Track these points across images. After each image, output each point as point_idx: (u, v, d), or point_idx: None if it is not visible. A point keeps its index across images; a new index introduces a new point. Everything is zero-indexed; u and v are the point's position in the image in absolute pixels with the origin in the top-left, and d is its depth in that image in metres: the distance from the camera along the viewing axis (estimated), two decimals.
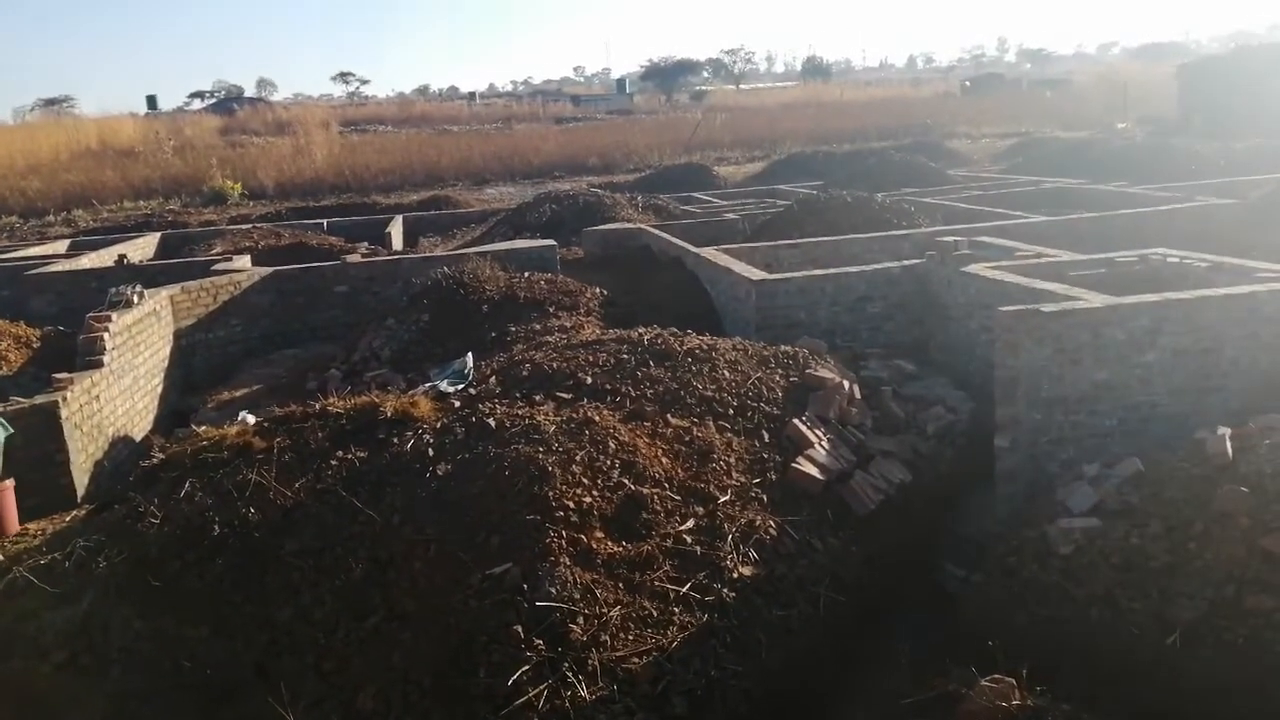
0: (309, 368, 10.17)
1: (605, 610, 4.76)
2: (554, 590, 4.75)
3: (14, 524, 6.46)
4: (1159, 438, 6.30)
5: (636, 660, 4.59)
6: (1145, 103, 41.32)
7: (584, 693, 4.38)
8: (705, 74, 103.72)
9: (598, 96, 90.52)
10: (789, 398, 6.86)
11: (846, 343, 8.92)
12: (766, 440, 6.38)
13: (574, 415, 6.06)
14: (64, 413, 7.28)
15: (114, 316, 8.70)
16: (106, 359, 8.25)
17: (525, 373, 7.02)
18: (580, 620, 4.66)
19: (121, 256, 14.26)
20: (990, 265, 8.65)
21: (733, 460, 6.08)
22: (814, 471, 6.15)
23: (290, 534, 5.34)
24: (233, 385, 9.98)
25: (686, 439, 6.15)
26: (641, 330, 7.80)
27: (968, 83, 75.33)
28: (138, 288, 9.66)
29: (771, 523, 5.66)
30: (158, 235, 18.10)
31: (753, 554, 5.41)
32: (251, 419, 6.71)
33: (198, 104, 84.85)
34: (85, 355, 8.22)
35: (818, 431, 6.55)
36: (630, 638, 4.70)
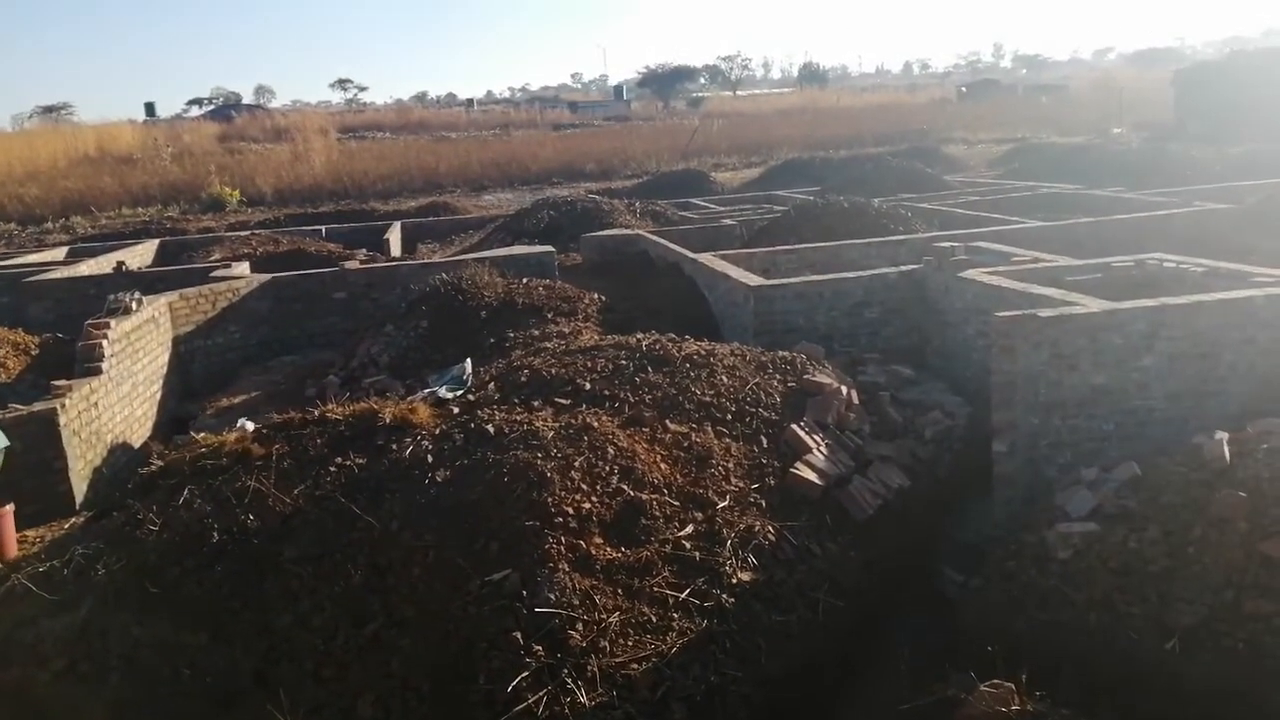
0: (307, 374, 10.18)
1: (604, 616, 4.76)
2: (553, 596, 4.75)
3: (12, 548, 6.41)
4: (1157, 442, 6.31)
5: (636, 666, 4.59)
6: (1141, 108, 41.48)
7: (583, 699, 4.38)
8: (702, 80, 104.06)
9: (595, 103, 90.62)
10: (787, 403, 6.87)
11: (844, 348, 8.93)
12: (765, 445, 6.38)
13: (573, 421, 6.07)
14: (62, 420, 7.28)
15: (112, 323, 8.70)
16: (105, 366, 8.25)
17: (524, 379, 7.03)
18: (579, 626, 4.66)
19: (120, 263, 14.28)
20: (987, 270, 8.67)
21: (731, 465, 6.08)
22: (812, 477, 6.15)
23: (289, 541, 5.33)
24: (231, 392, 9.98)
25: (685, 444, 6.15)
26: (640, 336, 7.81)
27: (964, 89, 75.57)
28: (136, 294, 9.67)
29: (770, 528, 5.66)
30: (156, 242, 18.09)
31: (752, 559, 5.41)
32: (250, 426, 6.71)
33: (196, 111, 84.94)
34: (84, 362, 8.22)
35: (816, 437, 6.56)
36: (629, 644, 4.70)
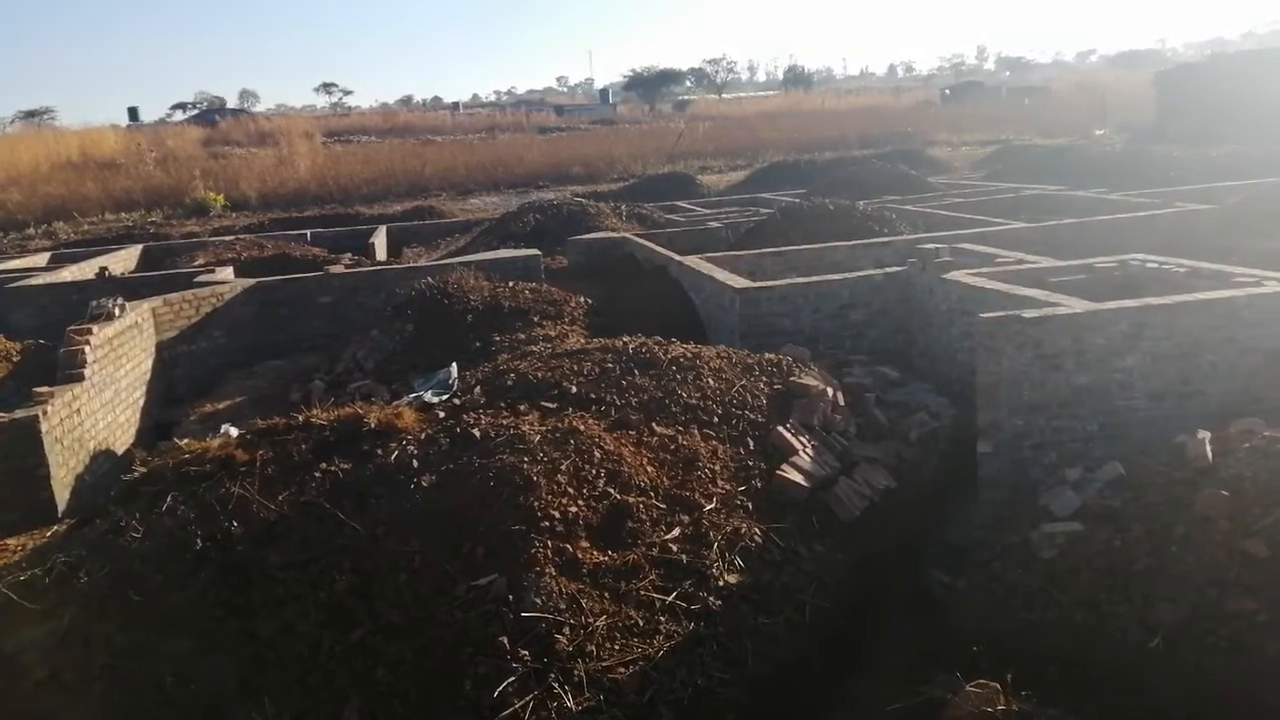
0: (292, 379, 10.12)
1: (591, 620, 4.76)
2: (540, 601, 4.74)
3: None
4: (1140, 442, 6.35)
5: (623, 670, 4.59)
6: (1123, 110, 41.79)
7: (570, 704, 4.37)
8: (688, 83, 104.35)
9: (581, 106, 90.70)
10: (773, 405, 6.88)
11: (830, 350, 8.95)
12: (751, 448, 6.39)
13: (559, 425, 6.06)
14: (44, 426, 7.22)
15: (95, 329, 8.64)
16: (88, 372, 8.19)
17: (510, 382, 7.01)
18: (566, 630, 4.66)
19: (103, 269, 14.18)
20: (971, 272, 8.71)
21: (718, 468, 6.09)
22: (799, 478, 6.16)
23: (274, 547, 5.30)
24: (215, 397, 9.92)
25: (672, 447, 6.16)
26: (626, 339, 7.81)
27: (948, 91, 76.00)
28: (119, 300, 9.60)
29: (757, 530, 5.67)
30: (139, 247, 17.98)
31: (739, 562, 5.41)
32: (234, 431, 6.68)
33: (180, 115, 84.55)
34: (66, 368, 8.15)
35: (802, 438, 6.57)
36: (616, 647, 4.70)
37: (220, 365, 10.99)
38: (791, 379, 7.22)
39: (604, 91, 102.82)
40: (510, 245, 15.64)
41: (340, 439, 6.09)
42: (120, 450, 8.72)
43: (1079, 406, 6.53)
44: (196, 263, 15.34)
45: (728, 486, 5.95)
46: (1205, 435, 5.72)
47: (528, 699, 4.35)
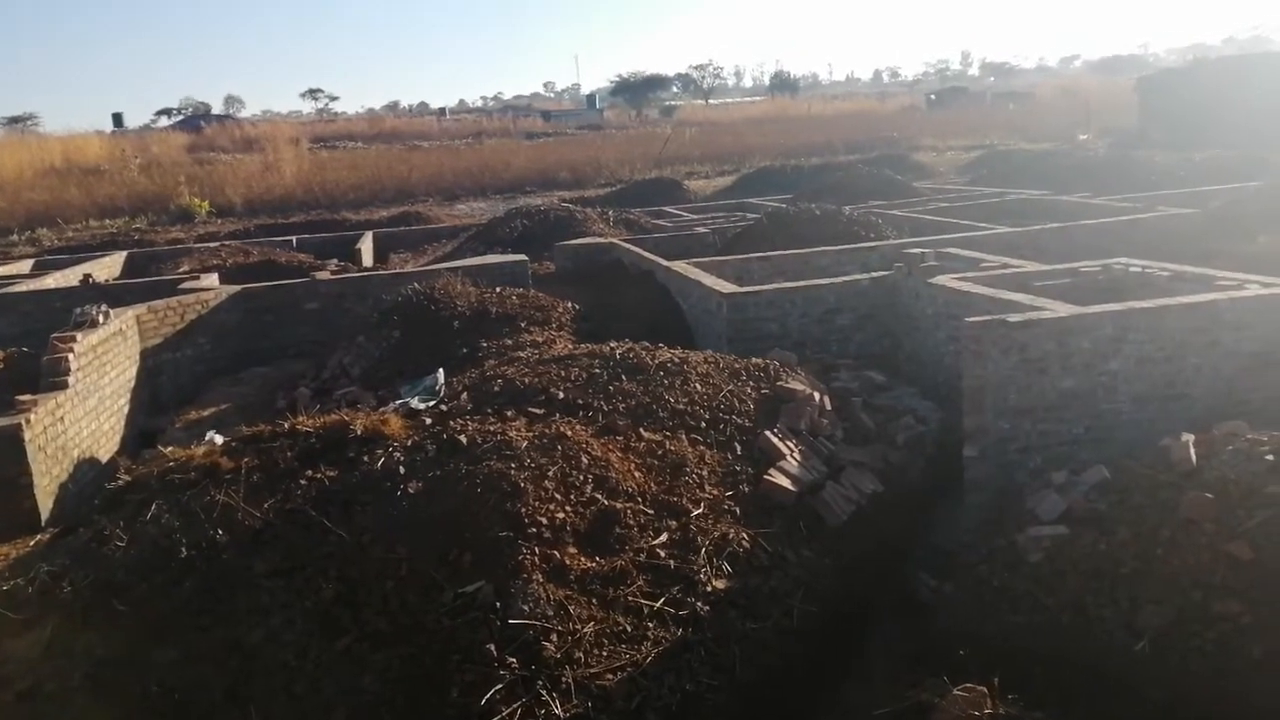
0: (278, 386, 10.08)
1: (579, 627, 4.74)
2: (527, 607, 4.73)
3: None
4: (1126, 445, 6.39)
5: (611, 677, 4.58)
6: (1106, 115, 42.03)
7: (558, 711, 4.36)
8: (674, 89, 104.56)
9: (568, 112, 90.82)
10: (761, 410, 6.89)
11: (817, 354, 8.97)
12: (739, 452, 6.39)
13: (546, 430, 6.05)
14: (27, 435, 7.16)
15: (79, 336, 8.58)
16: (71, 380, 8.13)
17: (497, 388, 7.00)
18: (554, 637, 4.64)
19: (87, 276, 14.11)
20: (956, 276, 8.75)
21: (705, 473, 6.09)
22: (786, 483, 6.17)
23: (259, 555, 5.27)
24: (201, 405, 9.87)
25: (659, 453, 6.15)
26: (613, 344, 7.81)
27: (933, 96, 76.42)
28: (103, 307, 9.53)
29: (745, 535, 5.67)
30: (124, 254, 17.88)
31: (726, 567, 5.41)
32: (219, 439, 6.64)
33: (165, 121, 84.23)
34: (49, 376, 8.09)
35: (789, 443, 6.58)
36: (604, 654, 4.69)
37: (205, 372, 10.94)
38: (779, 384, 7.24)
39: (591, 97, 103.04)
40: (497, 251, 15.64)
41: (326, 446, 6.07)
42: (104, 458, 8.66)
43: (1064, 410, 6.56)
44: (181, 269, 15.28)
45: (715, 491, 5.95)
46: (1189, 438, 5.76)
47: (515, 706, 4.33)
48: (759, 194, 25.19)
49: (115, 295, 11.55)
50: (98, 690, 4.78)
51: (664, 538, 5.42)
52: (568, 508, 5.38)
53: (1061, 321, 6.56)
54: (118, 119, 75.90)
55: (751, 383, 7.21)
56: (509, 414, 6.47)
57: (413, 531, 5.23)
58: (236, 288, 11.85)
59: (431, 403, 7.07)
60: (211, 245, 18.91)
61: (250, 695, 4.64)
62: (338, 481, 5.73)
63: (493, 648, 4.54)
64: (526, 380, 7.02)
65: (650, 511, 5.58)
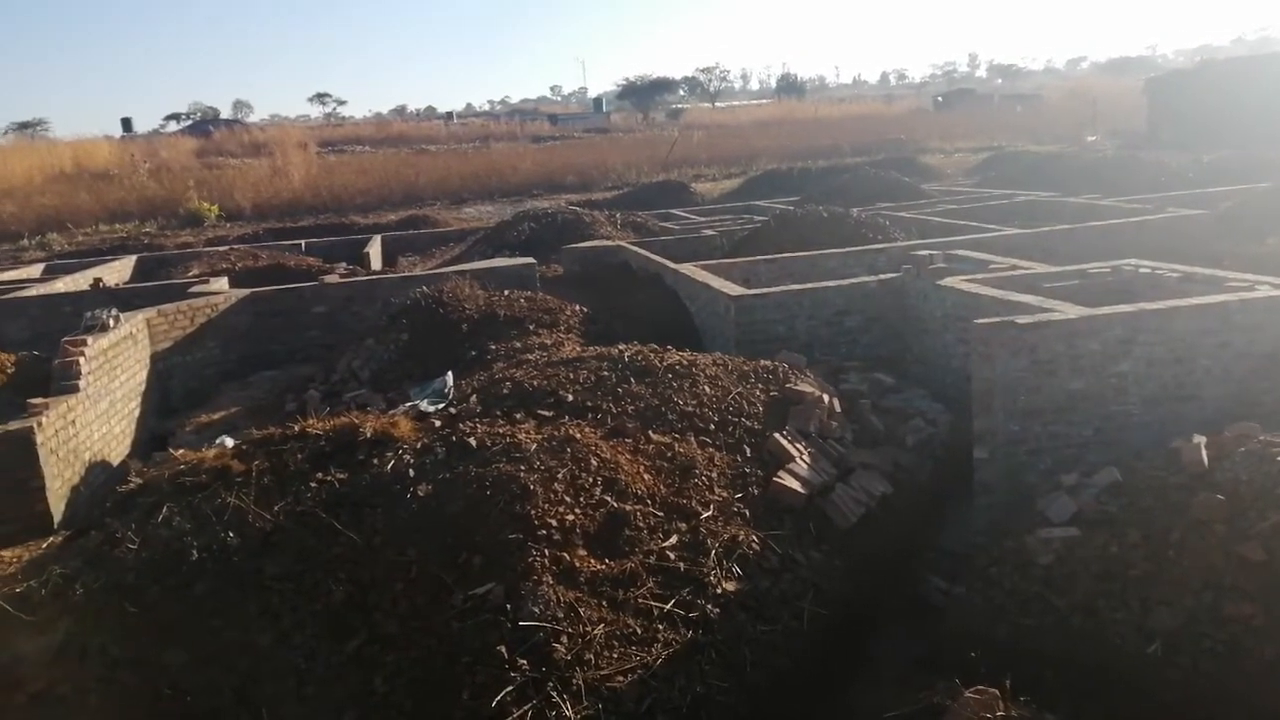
0: (288, 389, 10.11)
1: (589, 629, 4.75)
2: (537, 610, 4.73)
3: None
4: (1136, 447, 6.37)
5: (621, 679, 4.58)
6: (1114, 116, 41.99)
7: (569, 713, 4.36)
8: (681, 92, 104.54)
9: (575, 115, 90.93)
10: (769, 412, 6.88)
11: (825, 356, 8.97)
12: (748, 455, 6.39)
13: (555, 433, 6.06)
14: (39, 438, 7.19)
15: (90, 340, 8.62)
16: (82, 383, 8.16)
17: (506, 391, 7.01)
18: (564, 639, 4.64)
19: (97, 280, 14.16)
20: (965, 278, 8.73)
21: (715, 475, 6.09)
22: (795, 485, 6.16)
23: (270, 557, 5.29)
24: (211, 408, 9.89)
25: (668, 455, 6.15)
26: (622, 347, 7.81)
27: (940, 98, 76.35)
28: (113, 311, 9.57)
29: (754, 537, 5.67)
30: (133, 258, 17.93)
31: (736, 569, 5.41)
32: (230, 442, 6.66)
33: (173, 126, 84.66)
34: (61, 380, 8.13)
35: (798, 445, 6.58)
36: (615, 656, 4.69)
37: (215, 376, 10.97)
38: (787, 386, 7.23)
39: (598, 100, 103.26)
40: (505, 254, 15.64)
41: (336, 449, 6.08)
42: (116, 461, 8.69)
43: (1074, 412, 6.54)
44: (191, 273, 15.33)
45: (725, 494, 5.95)
46: (1200, 440, 5.74)
47: (526, 708, 4.33)
48: (766, 196, 25.18)
49: (125, 299, 11.60)
50: (109, 692, 4.80)
51: (674, 540, 5.43)
52: (577, 510, 5.38)
53: (1071, 323, 6.55)
54: (127, 124, 76.38)
55: (760, 385, 7.21)
56: (518, 416, 6.48)
57: (423, 534, 5.25)
58: (246, 291, 11.88)
59: (441, 405, 7.09)
60: (221, 249, 18.97)
61: (261, 697, 4.66)
62: (348, 484, 5.74)
63: (503, 649, 4.54)
64: (535, 383, 7.03)
65: (660, 514, 5.58)
